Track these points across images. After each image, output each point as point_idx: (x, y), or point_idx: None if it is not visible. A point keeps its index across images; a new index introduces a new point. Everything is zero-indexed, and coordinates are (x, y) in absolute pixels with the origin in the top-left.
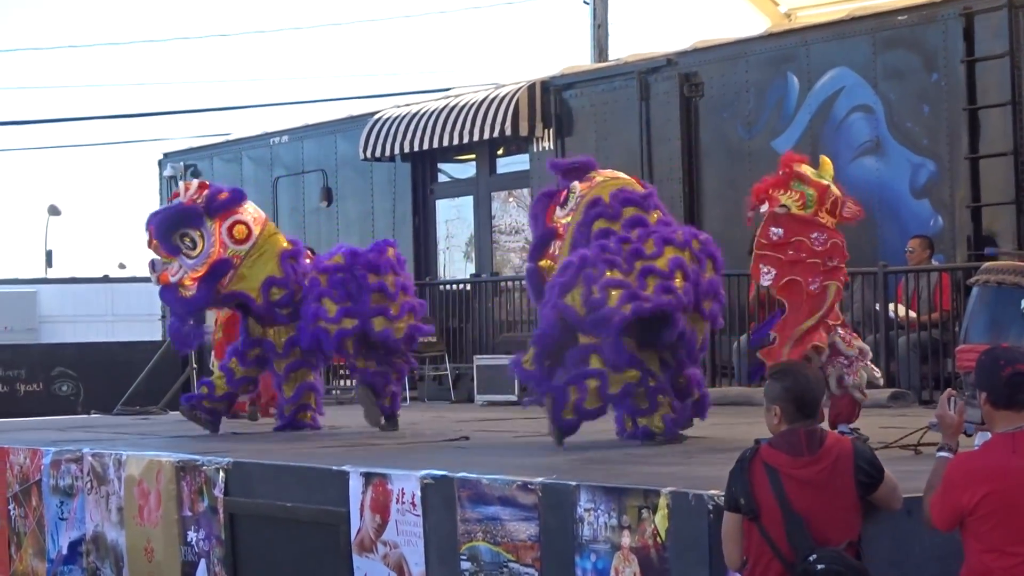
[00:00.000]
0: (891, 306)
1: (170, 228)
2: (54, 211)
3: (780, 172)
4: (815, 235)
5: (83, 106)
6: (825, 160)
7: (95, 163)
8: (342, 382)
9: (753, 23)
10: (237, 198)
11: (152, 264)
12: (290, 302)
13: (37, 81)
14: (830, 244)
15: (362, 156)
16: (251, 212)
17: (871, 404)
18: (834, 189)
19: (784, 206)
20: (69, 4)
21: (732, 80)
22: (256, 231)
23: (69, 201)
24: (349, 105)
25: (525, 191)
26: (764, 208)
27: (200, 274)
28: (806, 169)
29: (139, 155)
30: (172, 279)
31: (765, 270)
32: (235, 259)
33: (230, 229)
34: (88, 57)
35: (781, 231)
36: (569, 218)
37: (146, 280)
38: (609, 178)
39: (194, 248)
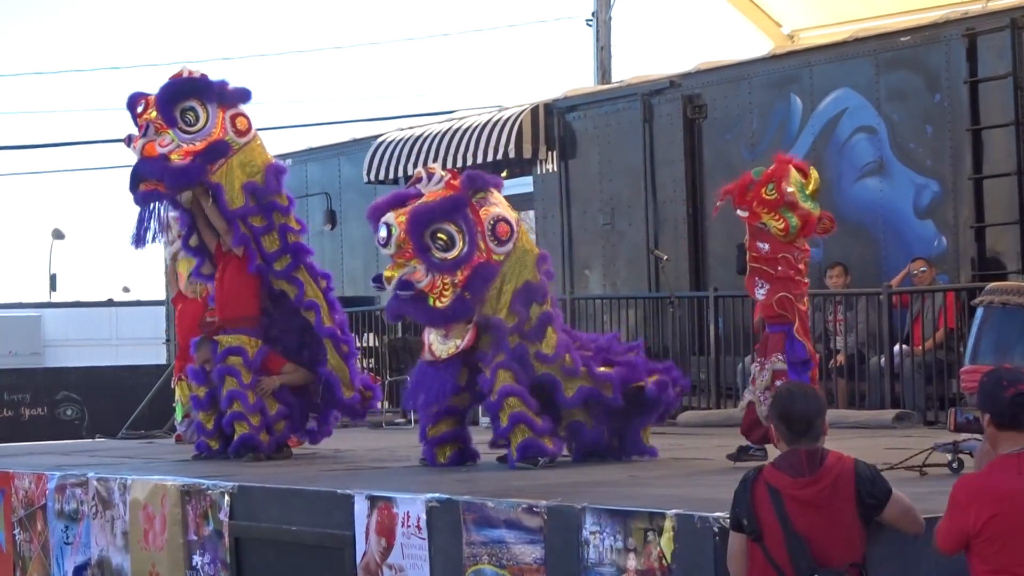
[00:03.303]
0: (896, 347)
1: (178, 96)
2: (58, 235)
3: (771, 167)
4: (796, 253)
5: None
6: (815, 175)
7: (99, 187)
8: None
9: (756, 45)
10: (247, 94)
11: (144, 130)
12: (257, 212)
13: (41, 106)
14: (803, 262)
15: (366, 179)
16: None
17: (876, 425)
18: (815, 211)
19: (764, 224)
20: (72, 28)
21: (735, 102)
22: (254, 129)
23: (73, 225)
24: (353, 128)
25: (530, 213)
26: (740, 209)
27: (198, 149)
28: (795, 185)
29: None
30: (160, 150)
31: (759, 284)
32: (232, 148)
33: (233, 119)
34: (92, 81)
35: (767, 246)
36: None
37: (150, 303)
38: None
39: (195, 123)
